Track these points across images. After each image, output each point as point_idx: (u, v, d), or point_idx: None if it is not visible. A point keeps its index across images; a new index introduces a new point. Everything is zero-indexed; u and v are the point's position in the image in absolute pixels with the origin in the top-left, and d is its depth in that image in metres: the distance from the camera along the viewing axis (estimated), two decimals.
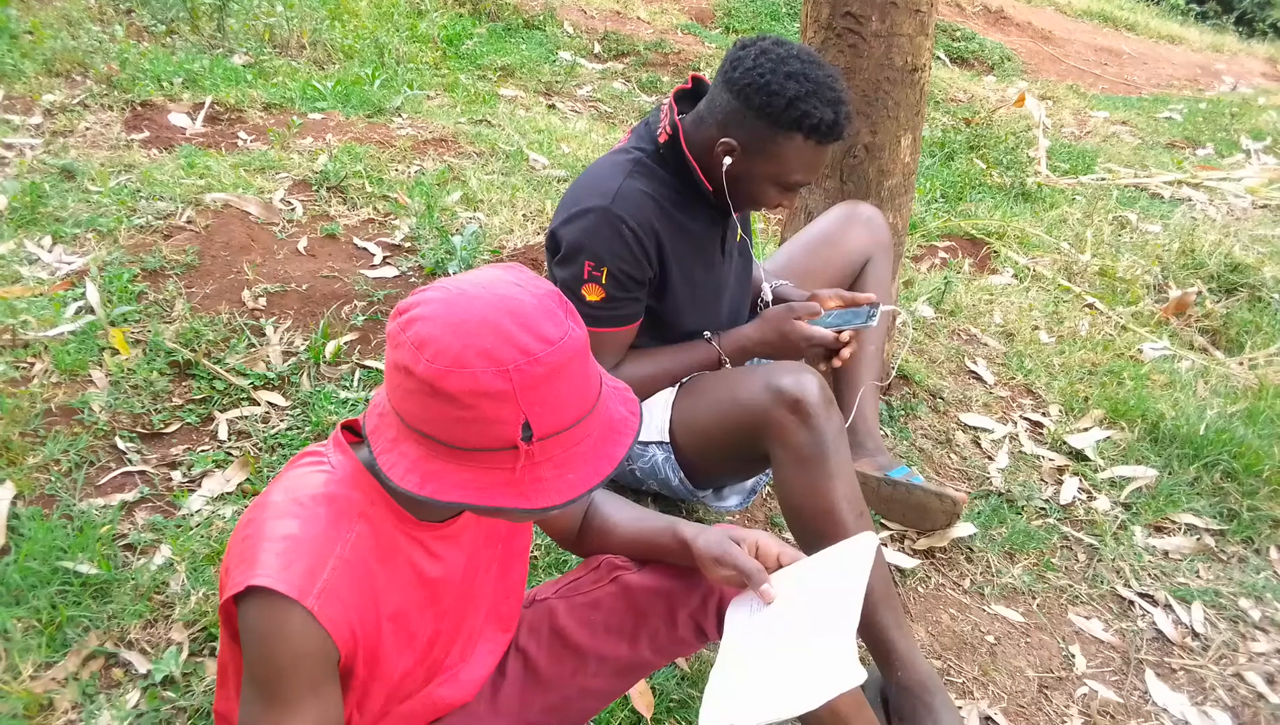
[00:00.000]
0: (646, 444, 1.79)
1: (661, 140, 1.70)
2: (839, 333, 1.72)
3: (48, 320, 2.12)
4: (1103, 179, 4.69)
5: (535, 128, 4.04)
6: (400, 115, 3.88)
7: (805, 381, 1.57)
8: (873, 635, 1.59)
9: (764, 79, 1.57)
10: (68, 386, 1.97)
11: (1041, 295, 3.34)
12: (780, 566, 1.16)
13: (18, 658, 1.43)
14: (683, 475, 1.78)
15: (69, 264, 2.40)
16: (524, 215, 3.12)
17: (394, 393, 0.94)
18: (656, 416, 1.78)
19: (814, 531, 1.58)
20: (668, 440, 1.76)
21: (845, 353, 1.73)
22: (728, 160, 1.64)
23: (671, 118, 1.69)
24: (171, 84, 3.65)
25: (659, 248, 1.71)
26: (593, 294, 1.67)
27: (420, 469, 0.93)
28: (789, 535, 1.69)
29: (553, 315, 0.94)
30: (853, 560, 1.13)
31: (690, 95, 1.77)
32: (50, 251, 2.45)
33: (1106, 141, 5.51)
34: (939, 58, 6.84)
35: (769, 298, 1.95)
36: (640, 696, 1.55)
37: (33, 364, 2.01)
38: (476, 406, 0.89)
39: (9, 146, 2.97)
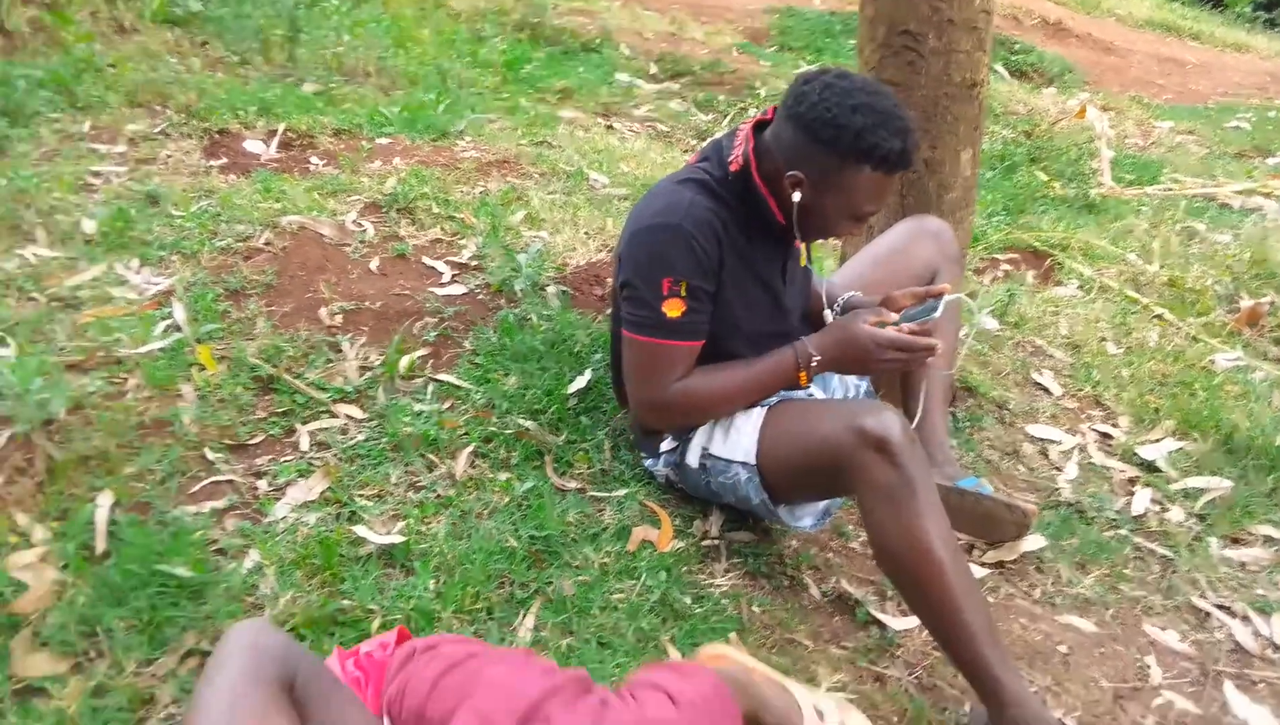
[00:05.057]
0: (731, 462, 1.81)
1: (733, 169, 1.73)
2: (908, 329, 1.72)
3: (139, 338, 2.22)
4: (1169, 189, 4.62)
5: (594, 148, 4.11)
6: (464, 138, 3.98)
7: (887, 420, 1.58)
8: (978, 672, 1.55)
9: (830, 113, 1.59)
10: (159, 400, 2.06)
11: (1108, 307, 3.30)
12: None
13: (121, 654, 1.50)
14: (765, 496, 1.80)
15: (156, 285, 2.50)
16: (586, 233, 3.17)
17: None
18: (744, 438, 1.80)
19: (908, 570, 1.57)
20: (754, 462, 1.78)
21: (927, 343, 1.69)
22: (797, 194, 1.66)
23: (745, 148, 1.72)
24: (246, 112, 3.79)
25: (719, 267, 1.74)
26: (674, 310, 1.70)
27: None
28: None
29: None
30: None
31: (768, 126, 1.78)
32: (138, 273, 2.56)
33: (1172, 152, 5.43)
34: (997, 71, 6.79)
35: (830, 318, 1.96)
36: None
37: (126, 379, 2.11)
38: None
39: (97, 175, 3.11)
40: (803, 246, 1.94)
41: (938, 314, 1.75)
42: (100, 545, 1.69)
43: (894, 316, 1.77)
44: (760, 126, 1.78)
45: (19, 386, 1.87)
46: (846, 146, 1.59)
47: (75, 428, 1.92)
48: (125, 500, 1.80)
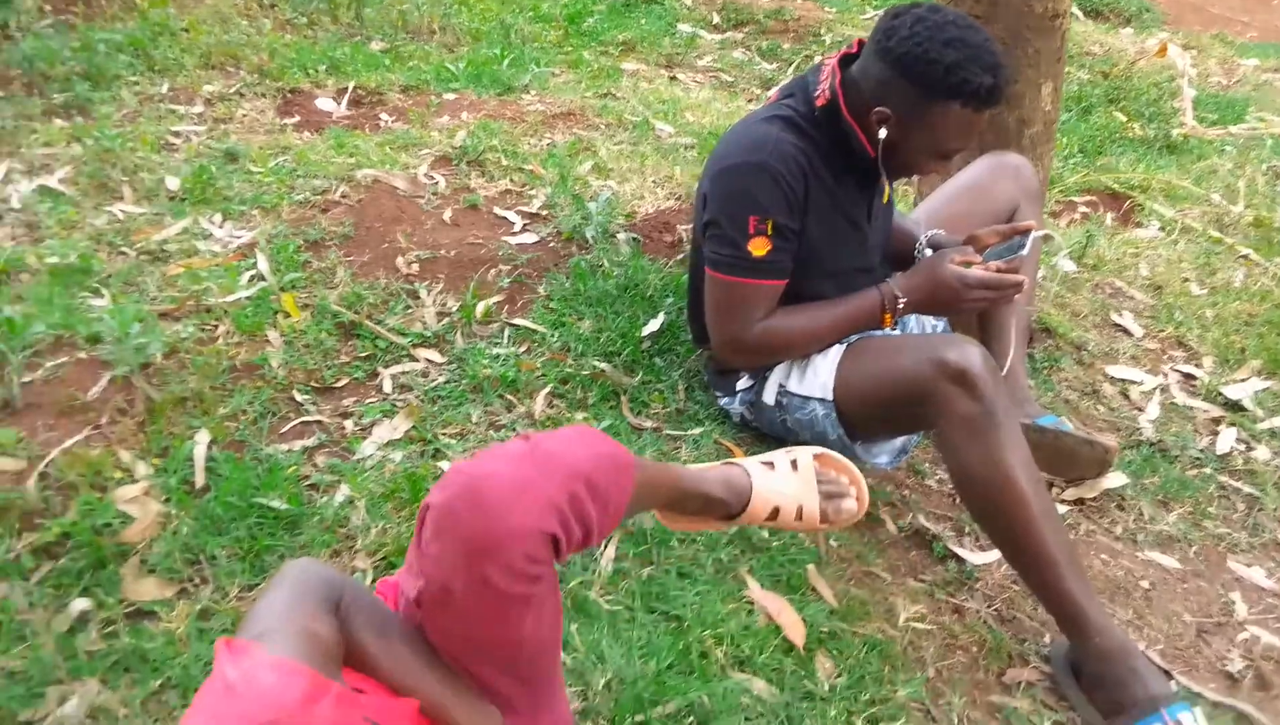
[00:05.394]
0: (808, 399, 1.82)
1: (819, 104, 1.71)
2: (994, 267, 1.70)
3: (226, 287, 2.29)
4: (1255, 129, 4.44)
5: (659, 99, 4.09)
6: (529, 92, 3.99)
7: (969, 353, 1.56)
8: (1061, 602, 1.55)
9: (921, 47, 1.55)
10: (248, 345, 2.13)
11: (1191, 248, 3.21)
12: None
13: (224, 580, 1.58)
14: (842, 431, 1.80)
15: (239, 238, 2.58)
16: (654, 181, 3.17)
17: None
18: (821, 373, 1.80)
19: (991, 501, 1.56)
20: (831, 398, 1.78)
21: (1015, 280, 1.68)
22: (884, 131, 1.64)
23: (832, 82, 1.69)
24: (316, 71, 3.85)
25: (804, 204, 1.73)
26: (759, 248, 1.69)
27: None
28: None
29: None
30: None
31: (853, 60, 1.75)
32: (221, 227, 2.64)
33: (1258, 90, 5.21)
34: (1072, 12, 6.57)
35: (926, 254, 1.94)
36: (792, 627, 1.59)
37: (216, 326, 2.18)
38: None
39: (177, 134, 3.19)
40: (886, 183, 1.92)
41: (1025, 252, 1.72)
42: (200, 480, 1.77)
43: (979, 256, 1.75)
44: (846, 61, 1.75)
45: (119, 331, 1.95)
46: (936, 82, 1.55)
47: (171, 371, 2.00)
48: (221, 439, 1.88)
